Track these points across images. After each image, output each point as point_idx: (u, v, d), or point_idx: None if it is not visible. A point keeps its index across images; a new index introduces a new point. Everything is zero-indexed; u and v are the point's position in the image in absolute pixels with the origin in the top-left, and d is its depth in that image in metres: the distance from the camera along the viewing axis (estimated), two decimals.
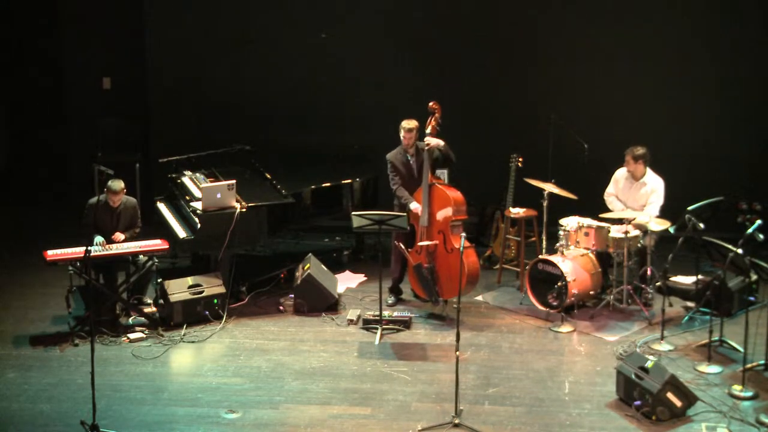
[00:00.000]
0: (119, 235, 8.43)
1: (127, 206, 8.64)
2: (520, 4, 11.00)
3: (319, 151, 10.81)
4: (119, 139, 11.54)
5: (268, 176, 9.64)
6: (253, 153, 10.03)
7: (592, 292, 8.74)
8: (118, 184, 8.49)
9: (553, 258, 8.64)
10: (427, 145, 8.57)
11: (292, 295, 8.96)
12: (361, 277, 9.80)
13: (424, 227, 8.63)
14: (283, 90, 11.36)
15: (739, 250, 7.43)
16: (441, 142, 8.60)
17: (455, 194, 8.61)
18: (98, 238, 8.36)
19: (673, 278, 8.79)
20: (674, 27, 10.77)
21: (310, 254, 9.30)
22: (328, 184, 9.71)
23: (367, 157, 10.23)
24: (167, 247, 8.60)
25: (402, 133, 8.74)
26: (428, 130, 8.62)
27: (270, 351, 8.00)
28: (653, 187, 8.87)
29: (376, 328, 8.32)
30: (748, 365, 7.34)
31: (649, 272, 8.77)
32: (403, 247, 8.60)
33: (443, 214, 8.57)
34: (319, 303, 8.83)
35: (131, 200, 8.72)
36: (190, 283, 8.59)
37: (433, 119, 8.63)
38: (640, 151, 8.85)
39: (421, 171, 8.73)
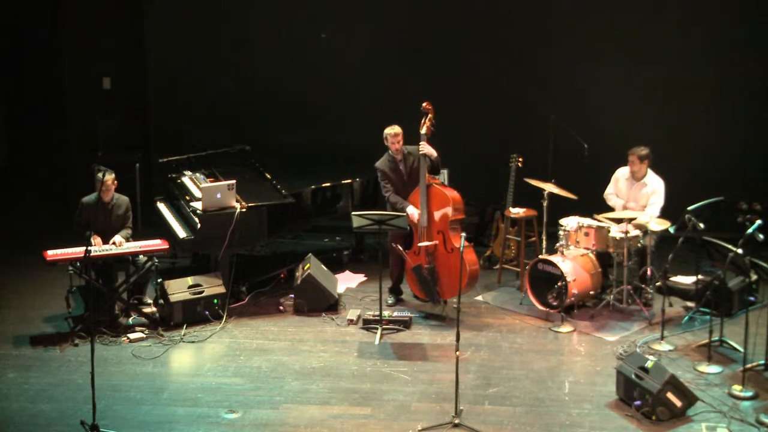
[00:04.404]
0: (121, 240, 8.40)
1: (119, 203, 8.64)
2: (521, 3, 11.00)
3: (319, 151, 10.81)
4: (119, 139, 11.55)
5: (268, 176, 9.64)
6: (253, 153, 10.03)
7: (592, 292, 8.74)
8: (109, 175, 8.49)
9: (553, 258, 8.64)
10: (421, 151, 8.55)
11: (292, 295, 8.96)
12: (361, 277, 9.80)
13: (423, 228, 8.63)
14: (283, 90, 11.35)
15: (739, 250, 7.44)
16: (434, 153, 8.57)
17: (453, 194, 8.61)
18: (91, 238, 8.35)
19: (673, 278, 8.79)
20: (674, 27, 10.77)
21: (310, 254, 9.30)
22: (328, 184, 9.72)
23: (366, 157, 10.22)
24: (167, 247, 8.60)
25: (389, 140, 8.72)
26: (423, 131, 8.60)
27: (270, 351, 8.00)
28: (654, 187, 8.87)
29: (376, 328, 8.32)
30: (748, 365, 7.34)
31: (649, 272, 8.77)
32: (401, 248, 8.59)
33: (442, 213, 8.57)
34: (319, 303, 8.83)
35: (123, 198, 8.72)
36: (190, 283, 8.59)
37: (427, 120, 8.61)
38: (644, 151, 8.85)
39: (411, 175, 8.74)
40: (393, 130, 8.71)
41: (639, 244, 8.73)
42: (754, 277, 8.29)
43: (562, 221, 8.99)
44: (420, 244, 8.65)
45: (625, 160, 9.00)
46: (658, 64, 10.79)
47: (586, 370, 7.64)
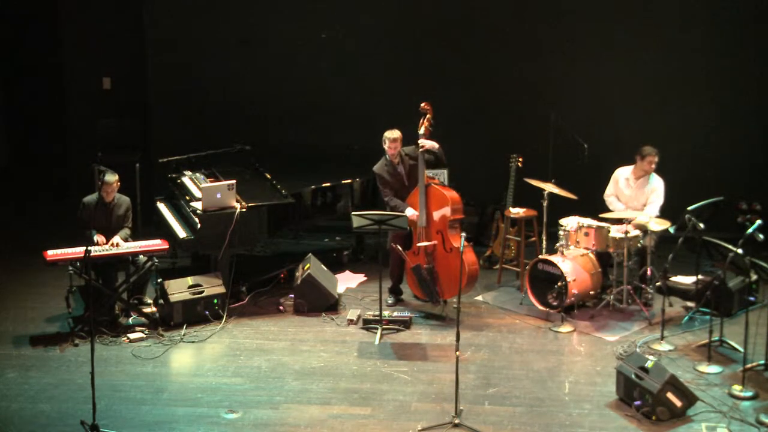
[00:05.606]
0: (119, 241, 8.40)
1: (120, 203, 8.65)
2: (521, 3, 11.00)
3: (319, 151, 10.81)
4: (119, 139, 11.54)
5: (268, 176, 9.64)
6: (253, 153, 10.03)
7: (592, 292, 8.74)
8: (113, 176, 8.50)
9: (553, 258, 8.64)
10: (422, 147, 8.57)
11: (292, 295, 8.96)
12: (361, 277, 9.80)
13: (422, 228, 8.63)
14: (283, 90, 11.35)
15: (739, 250, 7.44)
16: (435, 145, 8.59)
17: (452, 194, 8.61)
18: (95, 236, 8.38)
19: (673, 278, 8.79)
20: (674, 27, 10.76)
21: (310, 254, 9.30)
22: (328, 184, 9.72)
23: (366, 157, 10.23)
24: (167, 247, 8.60)
25: (387, 144, 8.70)
26: (421, 131, 8.61)
27: (270, 351, 8.00)
28: (653, 186, 8.88)
29: (376, 328, 8.32)
30: (748, 365, 7.34)
31: (649, 272, 8.77)
32: (400, 249, 8.59)
33: (441, 213, 8.58)
34: (319, 303, 8.83)
35: (124, 198, 8.73)
36: (190, 283, 8.59)
37: (425, 120, 8.62)
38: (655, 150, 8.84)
39: (410, 177, 8.74)
40: (393, 135, 8.68)
41: (639, 244, 8.73)
42: (754, 277, 8.29)
43: (562, 221, 8.99)
44: (419, 245, 8.65)
45: (626, 160, 9.00)
46: (658, 64, 10.79)
47: (586, 370, 7.64)
